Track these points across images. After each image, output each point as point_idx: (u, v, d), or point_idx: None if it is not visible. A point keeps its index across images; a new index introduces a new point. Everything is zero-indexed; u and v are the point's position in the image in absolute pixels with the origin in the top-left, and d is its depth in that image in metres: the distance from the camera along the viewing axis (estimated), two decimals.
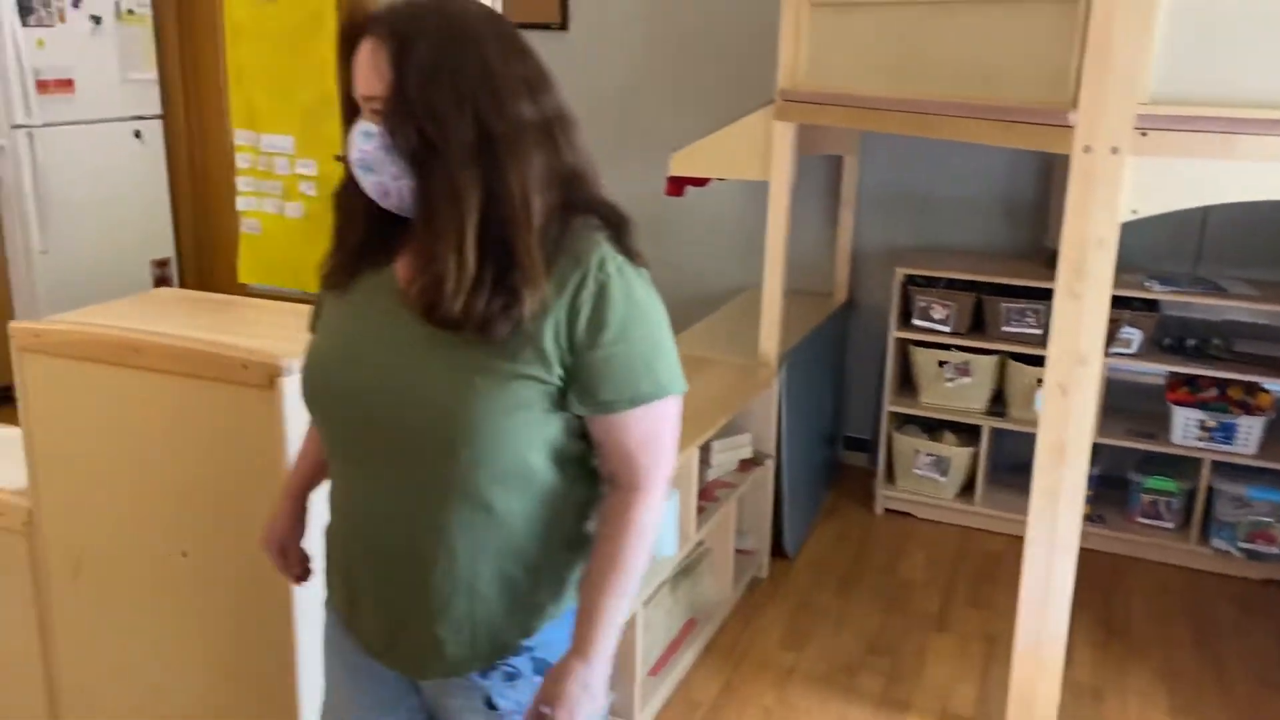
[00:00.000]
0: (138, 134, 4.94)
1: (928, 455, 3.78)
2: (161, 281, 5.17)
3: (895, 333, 3.73)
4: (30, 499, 2.07)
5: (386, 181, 1.24)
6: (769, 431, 3.27)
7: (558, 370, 1.24)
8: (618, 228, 1.29)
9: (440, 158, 1.19)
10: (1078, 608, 2.70)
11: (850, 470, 4.26)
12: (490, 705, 1.36)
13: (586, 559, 1.35)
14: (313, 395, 1.37)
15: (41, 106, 4.47)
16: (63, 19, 4.53)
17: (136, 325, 1.93)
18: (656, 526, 1.33)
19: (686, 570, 2.93)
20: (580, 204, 1.28)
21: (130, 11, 4.82)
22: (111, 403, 1.92)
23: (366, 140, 1.23)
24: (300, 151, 5.02)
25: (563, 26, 4.34)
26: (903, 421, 3.88)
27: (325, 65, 4.86)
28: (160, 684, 2.07)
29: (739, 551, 3.21)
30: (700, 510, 2.81)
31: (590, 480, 1.36)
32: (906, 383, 3.87)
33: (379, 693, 1.45)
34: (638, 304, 1.26)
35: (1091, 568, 3.38)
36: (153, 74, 4.98)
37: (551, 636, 1.36)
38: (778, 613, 3.20)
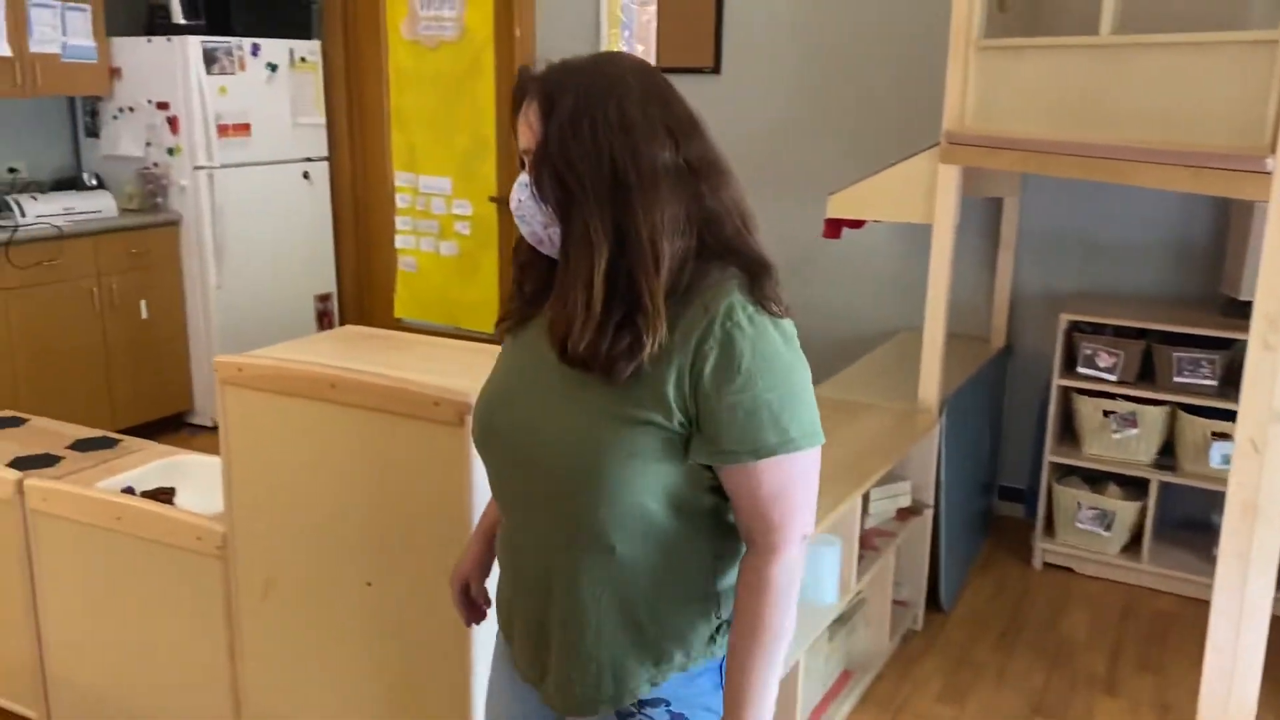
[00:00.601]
0: (306, 175, 5.19)
1: (1091, 508, 3.63)
2: (323, 316, 5.40)
3: (1058, 380, 3.61)
4: (226, 524, 2.18)
5: (538, 229, 1.30)
6: (928, 479, 3.20)
7: (678, 417, 1.24)
8: (756, 276, 1.27)
9: (578, 204, 1.24)
10: (1267, 679, 2.54)
11: (1005, 521, 4.13)
12: None
13: (720, 615, 1.35)
14: (478, 434, 1.42)
15: (221, 149, 4.74)
16: (243, 67, 4.81)
17: (332, 361, 2.02)
18: (795, 586, 1.29)
19: (842, 620, 2.88)
20: (718, 250, 1.28)
21: (303, 59, 5.09)
22: (307, 435, 2.01)
23: (521, 190, 1.30)
24: (456, 192, 5.19)
25: (715, 70, 4.39)
26: (1064, 472, 3.74)
27: (482, 110, 5.04)
28: (339, 709, 2.14)
29: (894, 603, 3.14)
30: (860, 559, 2.76)
31: (722, 535, 1.34)
32: (1068, 432, 3.74)
33: (535, 717, 1.48)
34: (765, 354, 1.24)
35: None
36: (321, 118, 5.23)
37: (685, 691, 1.35)
38: (935, 666, 3.12)
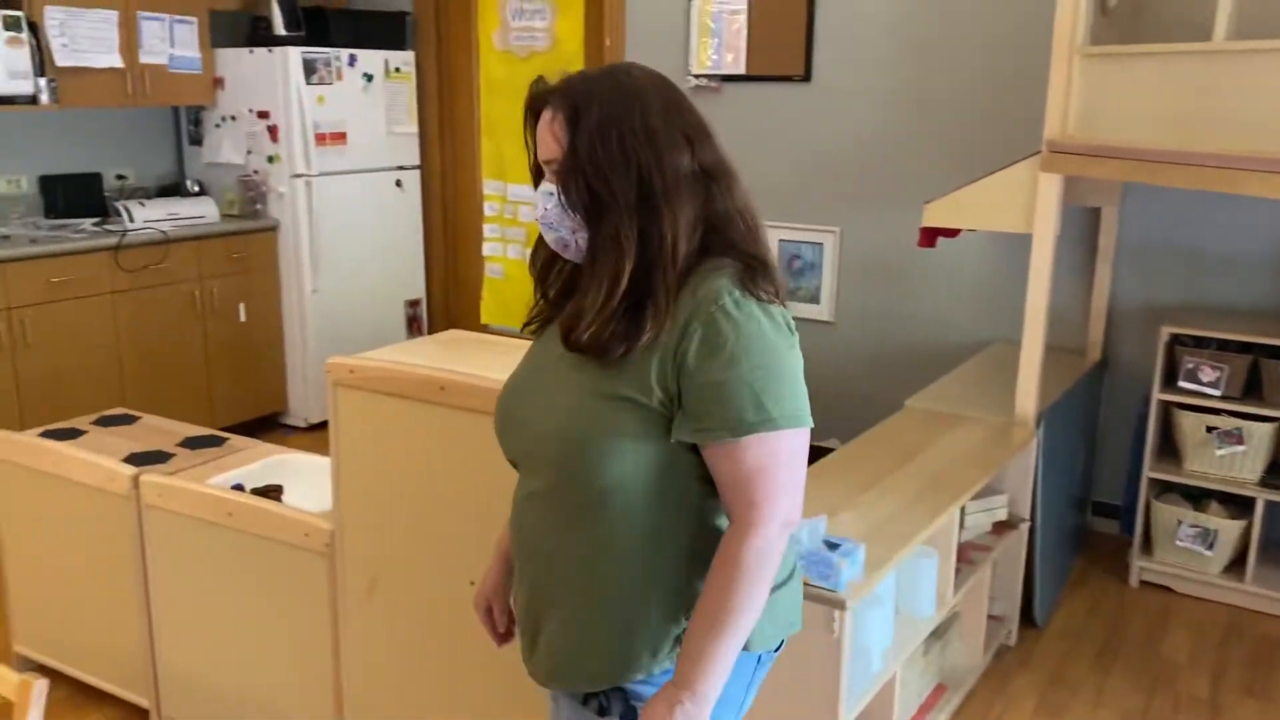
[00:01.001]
0: (398, 183, 5.30)
1: (1191, 526, 3.53)
2: (413, 321, 5.50)
3: (1158, 395, 3.52)
4: (333, 522, 2.23)
5: (565, 236, 1.37)
6: (1024, 493, 3.14)
7: (658, 395, 1.30)
8: (751, 268, 1.33)
9: (607, 211, 1.32)
10: None
11: (1099, 538, 4.03)
12: None
13: (686, 620, 1.37)
14: (496, 425, 1.49)
15: (318, 157, 4.86)
16: (340, 77, 4.92)
17: (438, 364, 2.06)
18: (765, 570, 1.30)
19: (937, 633, 2.84)
20: (721, 249, 1.35)
21: (397, 70, 5.20)
22: (414, 436, 2.05)
23: (548, 200, 1.36)
24: None
25: (805, 78, 4.38)
26: (1163, 489, 3.65)
27: None
28: (440, 708, 2.18)
29: (988, 617, 3.09)
30: (956, 572, 2.72)
31: (704, 535, 1.37)
32: (1168, 448, 3.65)
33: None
34: (749, 336, 1.28)
35: None
36: (414, 127, 5.33)
37: (644, 690, 1.39)
38: (1029, 683, 3.06)
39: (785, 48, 4.39)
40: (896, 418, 3.24)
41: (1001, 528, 3.06)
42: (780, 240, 4.48)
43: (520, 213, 5.34)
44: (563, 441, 1.35)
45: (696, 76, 4.58)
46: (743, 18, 4.47)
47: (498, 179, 5.39)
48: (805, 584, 2.08)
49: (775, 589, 1.41)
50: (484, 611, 1.67)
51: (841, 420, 4.38)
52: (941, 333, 4.24)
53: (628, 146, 1.31)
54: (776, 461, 1.29)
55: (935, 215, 3.27)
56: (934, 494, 2.60)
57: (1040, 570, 3.29)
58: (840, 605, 2.05)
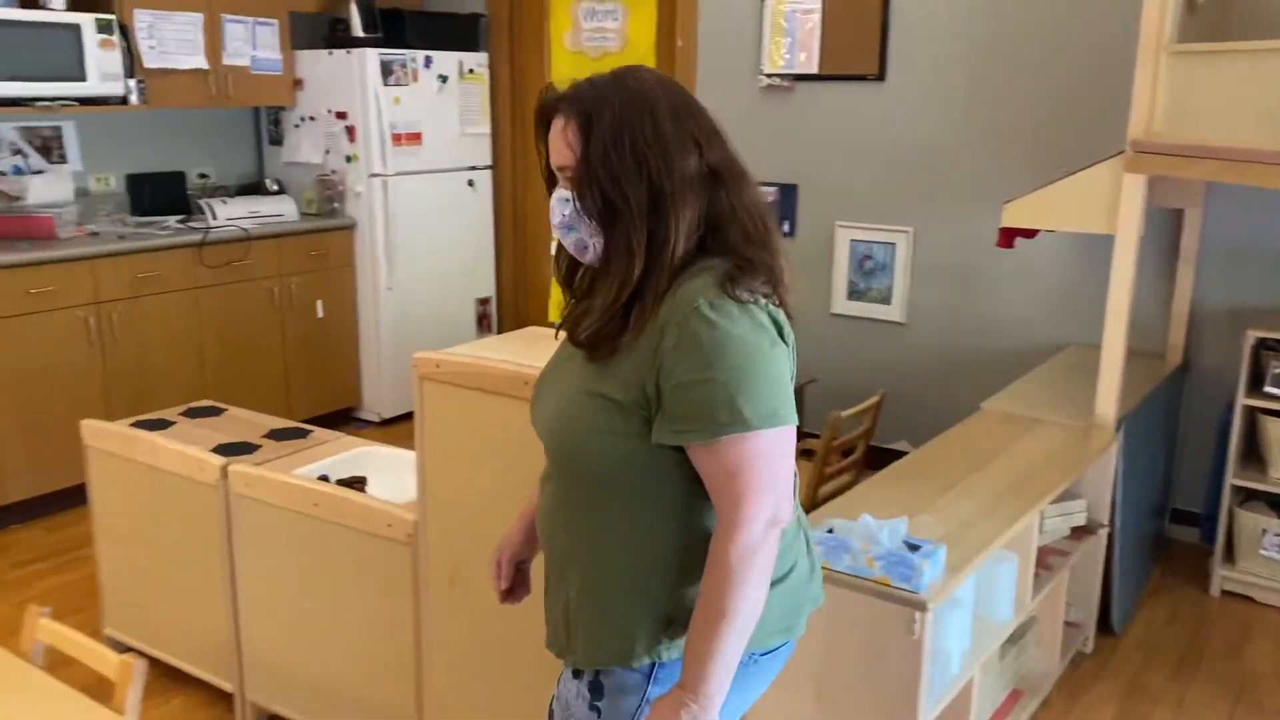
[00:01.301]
0: (471, 183, 5.37)
1: (1276, 535, 3.45)
2: (483, 319, 5.56)
3: (1243, 400, 3.45)
4: (417, 513, 2.28)
5: (584, 239, 1.40)
6: (1103, 498, 3.09)
7: (633, 395, 1.34)
8: (740, 270, 1.35)
9: (620, 216, 1.35)
10: None
11: (1178, 545, 3.95)
12: (567, 704, 1.49)
13: (668, 634, 1.40)
14: (532, 418, 1.55)
15: (394, 157, 4.94)
16: (416, 78, 5.00)
17: (522, 360, 2.09)
18: (752, 570, 1.32)
19: (1013, 638, 2.81)
20: (716, 248, 1.38)
21: (471, 71, 5.26)
22: (499, 430, 2.08)
23: (564, 205, 1.39)
24: None
25: (880, 77, 4.35)
26: (1247, 497, 3.57)
27: None
28: (519, 700, 2.21)
29: (1065, 623, 3.04)
30: (1034, 577, 2.69)
31: (694, 532, 1.39)
32: (1252, 455, 3.56)
33: None
34: (726, 337, 1.30)
35: None
36: (486, 128, 5.40)
37: (622, 680, 1.43)
38: (1107, 692, 3.01)
39: (860, 46, 4.37)
40: (972, 420, 3.21)
41: (1079, 533, 3.02)
42: (852, 240, 4.45)
43: None
44: (551, 434, 1.45)
45: (769, 76, 4.58)
46: (816, 16, 4.46)
47: None
48: (886, 585, 2.08)
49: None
50: (494, 564, 1.74)
51: (912, 422, 4.35)
52: (1014, 335, 4.18)
53: (640, 153, 1.33)
54: (756, 461, 1.31)
55: (1015, 215, 3.23)
56: (1013, 498, 2.57)
57: (1119, 577, 3.23)
58: (921, 607, 2.04)
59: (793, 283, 1.43)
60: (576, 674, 1.48)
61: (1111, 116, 3.75)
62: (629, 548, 1.41)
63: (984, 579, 2.50)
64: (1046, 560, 2.84)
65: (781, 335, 1.38)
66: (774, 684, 2.31)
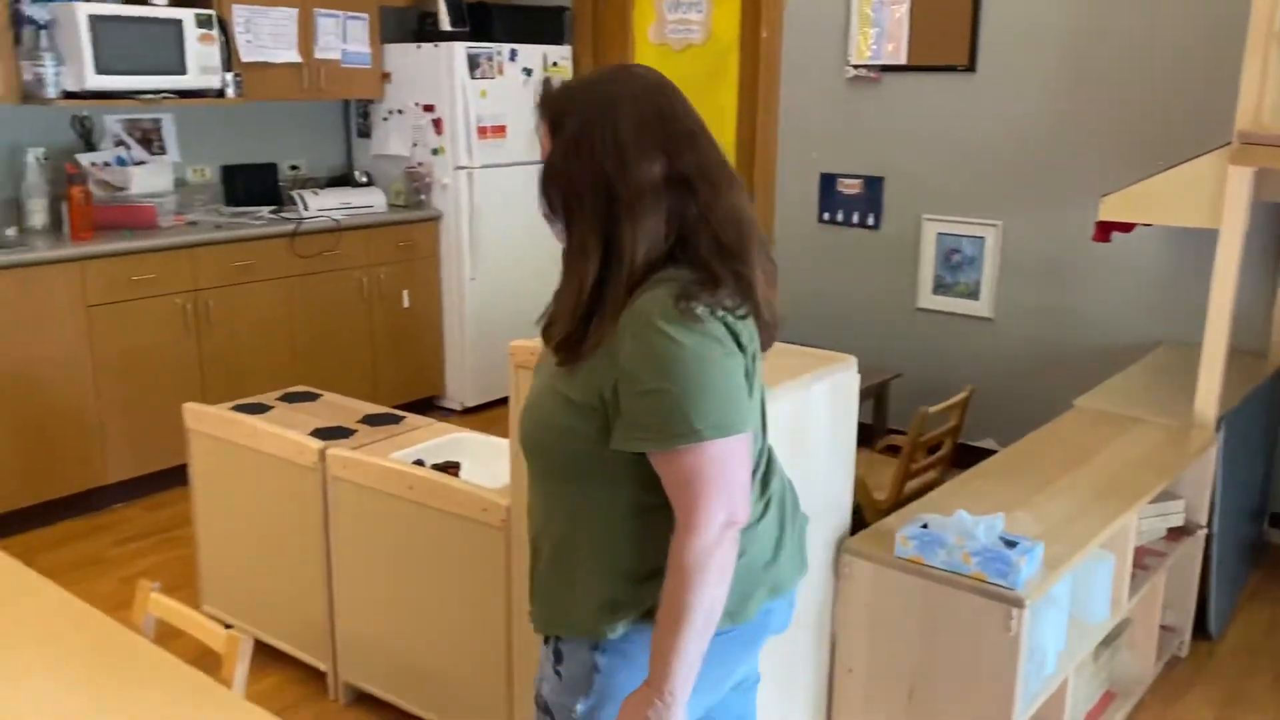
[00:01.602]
0: None
1: None
2: None
3: None
4: (510, 498, 2.31)
5: (558, 234, 1.45)
6: (1201, 499, 3.01)
7: (591, 400, 1.38)
8: (698, 282, 1.36)
9: (577, 220, 1.39)
10: None
11: (1277, 550, 3.84)
12: (541, 665, 1.57)
13: (621, 603, 1.44)
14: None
15: (480, 149, 5.00)
16: (501, 72, 5.05)
17: None
18: (709, 572, 1.35)
19: (1107, 640, 2.75)
20: (683, 257, 1.38)
21: (555, 64, 5.30)
22: None
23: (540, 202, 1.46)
24: None
25: (970, 68, 4.28)
26: None
27: (724, 112, 5.10)
28: None
29: (1160, 626, 2.97)
30: (1131, 577, 2.64)
31: (654, 534, 1.41)
32: None
33: None
34: (679, 350, 1.32)
35: None
36: None
37: (575, 650, 1.49)
38: (1203, 697, 2.94)
39: (949, 37, 4.31)
40: (1066, 417, 3.15)
41: (1176, 534, 2.95)
42: (939, 234, 4.39)
43: None
44: (521, 423, 1.52)
45: (855, 67, 4.54)
46: (905, 6, 4.40)
47: None
48: (982, 580, 2.05)
49: None
50: None
51: (999, 419, 4.28)
52: (1106, 331, 4.09)
53: (596, 156, 1.36)
54: (709, 469, 1.34)
55: (1113, 209, 3.16)
56: (1110, 496, 2.52)
57: (1216, 580, 3.15)
58: (1018, 603, 2.01)
59: (771, 293, 1.45)
60: (546, 640, 1.56)
61: (1210, 108, 3.65)
62: (588, 531, 1.47)
63: (1080, 578, 2.46)
64: (1143, 561, 2.78)
65: (740, 345, 1.40)
66: (865, 676, 2.30)
